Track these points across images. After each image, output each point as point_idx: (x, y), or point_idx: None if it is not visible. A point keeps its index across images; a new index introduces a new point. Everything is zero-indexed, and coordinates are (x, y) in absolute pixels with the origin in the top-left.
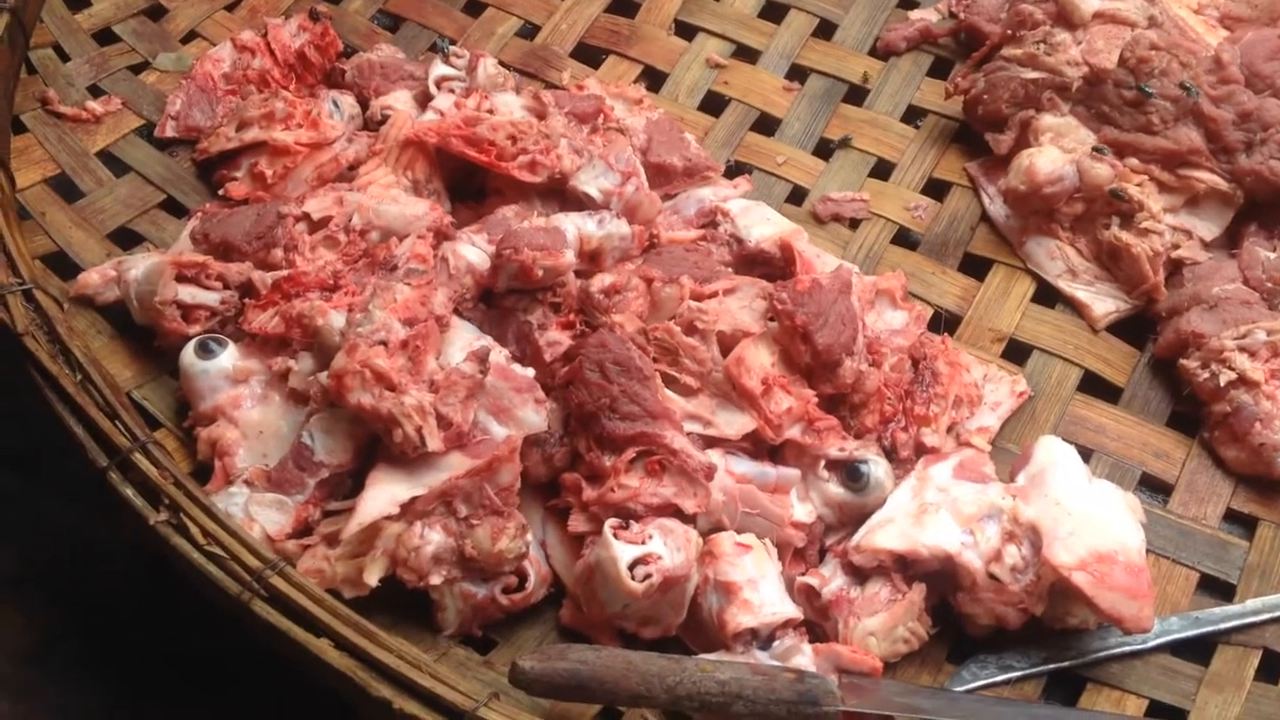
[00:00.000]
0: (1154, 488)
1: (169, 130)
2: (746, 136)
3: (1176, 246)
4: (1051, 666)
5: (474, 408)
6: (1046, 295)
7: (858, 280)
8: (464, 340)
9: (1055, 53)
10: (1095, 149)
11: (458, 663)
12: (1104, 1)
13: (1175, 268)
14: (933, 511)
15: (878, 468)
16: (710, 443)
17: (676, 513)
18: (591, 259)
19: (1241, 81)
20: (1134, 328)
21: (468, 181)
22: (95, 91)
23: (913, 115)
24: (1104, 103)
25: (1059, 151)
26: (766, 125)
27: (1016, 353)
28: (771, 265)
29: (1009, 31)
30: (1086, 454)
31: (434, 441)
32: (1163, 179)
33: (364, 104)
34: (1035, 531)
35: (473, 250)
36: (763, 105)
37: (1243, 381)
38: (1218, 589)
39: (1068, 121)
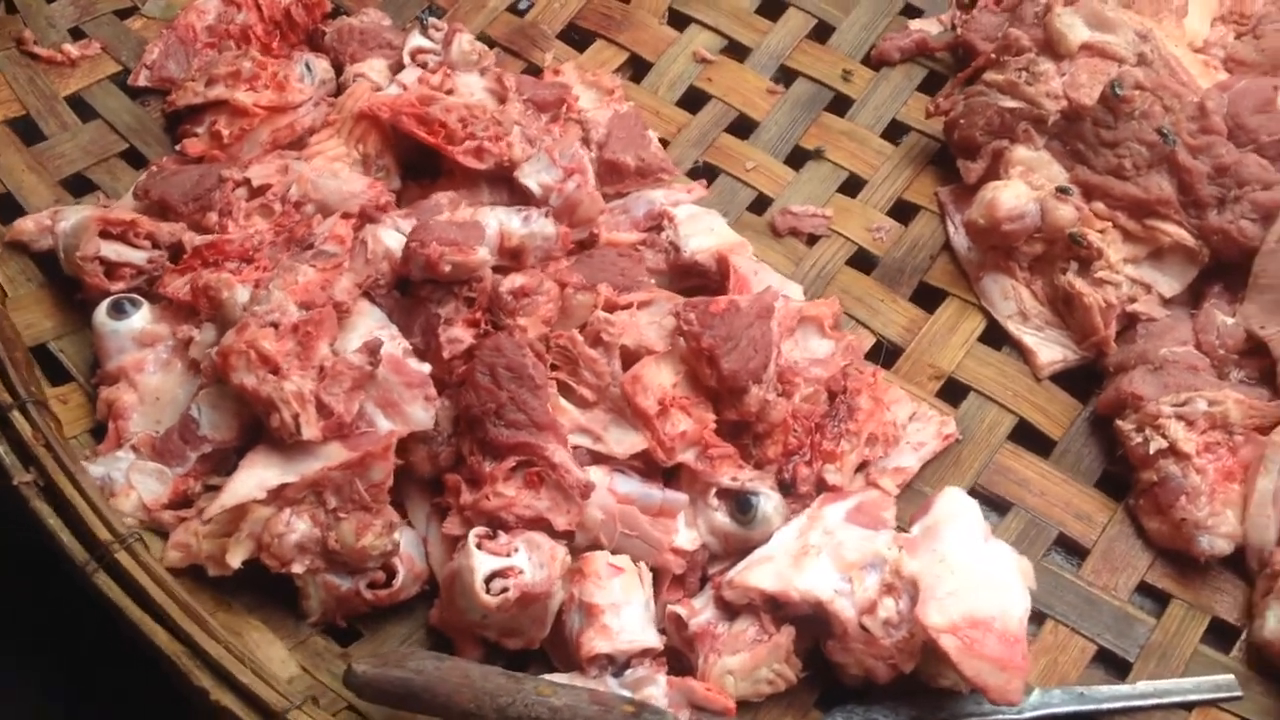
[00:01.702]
0: (1070, 550)
1: (142, 79)
2: (720, 138)
3: (1133, 300)
4: None
5: (359, 399)
6: (996, 336)
7: (782, 305)
8: (367, 327)
9: (1036, 82)
10: (1060, 189)
11: (313, 652)
12: (1094, 33)
13: (1130, 322)
14: (813, 554)
15: (768, 502)
16: (599, 459)
17: (548, 528)
18: (513, 256)
19: (1224, 133)
20: (1081, 380)
21: (426, 160)
22: (77, 34)
23: (895, 131)
24: (1080, 140)
25: (1025, 187)
26: (743, 128)
27: (954, 392)
28: (706, 278)
29: (994, 55)
30: (1005, 507)
31: (310, 430)
32: (1128, 227)
33: (339, 69)
34: (916, 586)
35: (393, 236)
36: (742, 106)
37: (1174, 451)
38: (1114, 665)
39: (1041, 156)
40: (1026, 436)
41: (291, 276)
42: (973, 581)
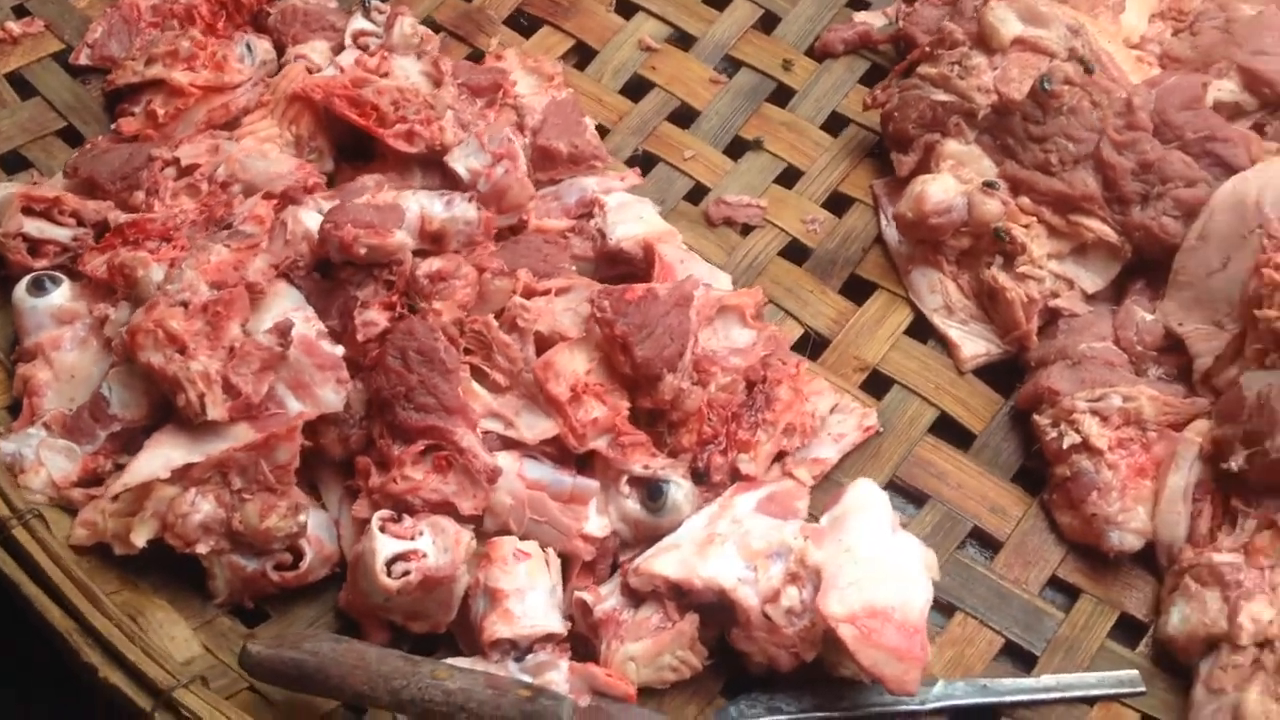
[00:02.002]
0: (984, 543)
1: (84, 58)
2: (661, 126)
3: (1056, 295)
4: (820, 715)
5: (269, 380)
6: (923, 329)
7: (702, 294)
8: (283, 308)
9: (968, 76)
10: (987, 183)
11: (218, 633)
12: (1027, 28)
13: (1053, 317)
14: (719, 543)
15: (678, 490)
16: (510, 444)
17: (455, 512)
18: (434, 240)
19: (1150, 129)
20: (1004, 374)
21: (362, 143)
22: (20, 12)
23: (835, 123)
24: (1009, 135)
25: (954, 181)
26: (684, 117)
27: (879, 384)
28: (634, 265)
29: (928, 49)
30: (922, 499)
31: (215, 410)
32: (1053, 222)
33: (282, 51)
34: (820, 576)
35: (314, 217)
36: (685, 95)
37: (1087, 447)
38: (1021, 658)
39: (971, 150)
40: (947, 429)
41: (204, 256)
42: (876, 572)
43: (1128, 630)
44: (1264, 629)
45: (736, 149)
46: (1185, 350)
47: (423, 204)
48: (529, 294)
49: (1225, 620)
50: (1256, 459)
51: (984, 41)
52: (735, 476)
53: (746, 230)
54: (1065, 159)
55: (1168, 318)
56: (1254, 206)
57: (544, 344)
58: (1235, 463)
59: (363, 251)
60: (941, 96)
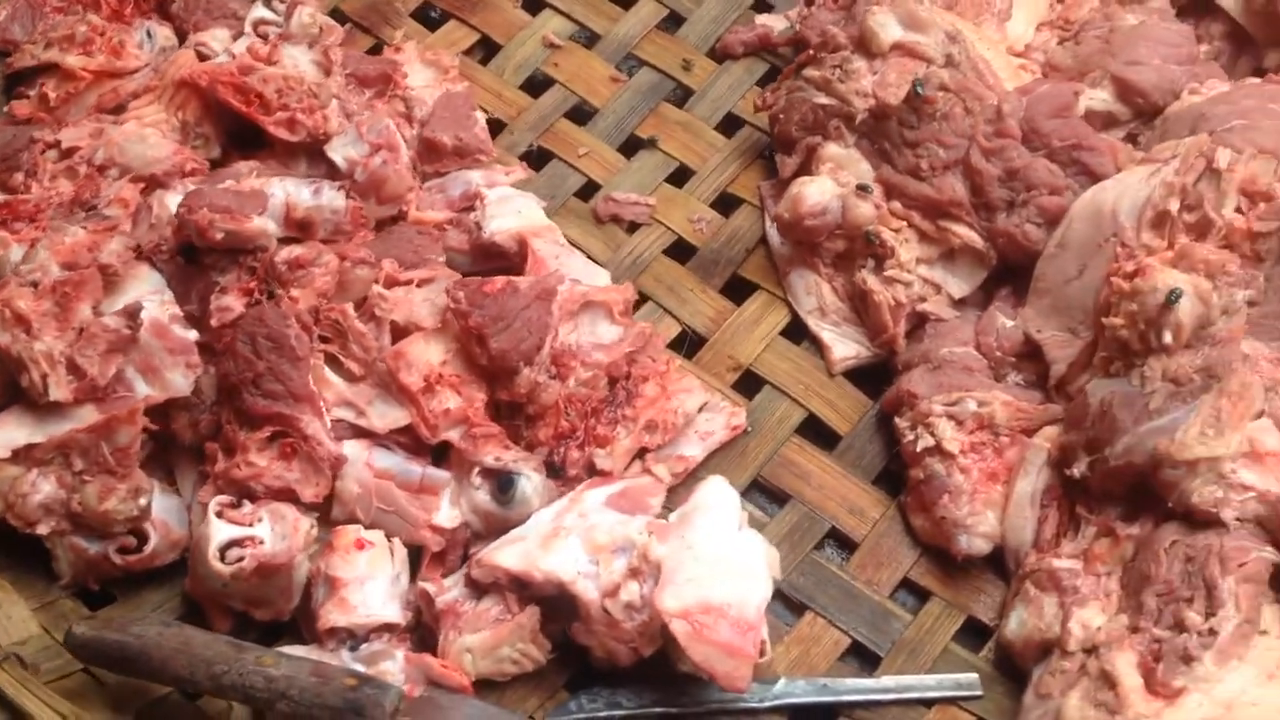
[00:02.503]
0: (842, 544)
1: None
2: (558, 123)
3: (923, 299)
4: (659, 710)
5: (116, 362)
6: (800, 330)
7: (567, 289)
8: (141, 291)
9: (848, 80)
10: (861, 187)
11: (59, 614)
12: (906, 33)
13: (921, 321)
14: (563, 536)
15: (528, 483)
16: (360, 433)
17: (296, 499)
18: (301, 228)
19: (1018, 137)
20: (875, 377)
21: (255, 133)
22: None
23: (731, 124)
24: (886, 139)
25: (831, 184)
26: (583, 114)
27: (752, 384)
28: (508, 259)
29: (813, 52)
30: (784, 499)
31: (59, 391)
32: (923, 227)
33: (184, 38)
34: (661, 571)
35: (178, 201)
36: (585, 93)
37: (939, 450)
38: (866, 658)
39: (850, 154)
40: (815, 431)
41: (59, 237)
42: (715, 569)
43: (975, 634)
44: (1092, 635)
45: (631, 147)
46: (1044, 357)
47: (289, 191)
48: (391, 284)
49: (1059, 626)
50: (1097, 466)
51: (865, 46)
52: (592, 471)
53: (633, 228)
54: (936, 164)
55: (1027, 324)
56: (1110, 215)
57: (401, 334)
58: (1078, 469)
59: (219, 236)
60: (823, 100)
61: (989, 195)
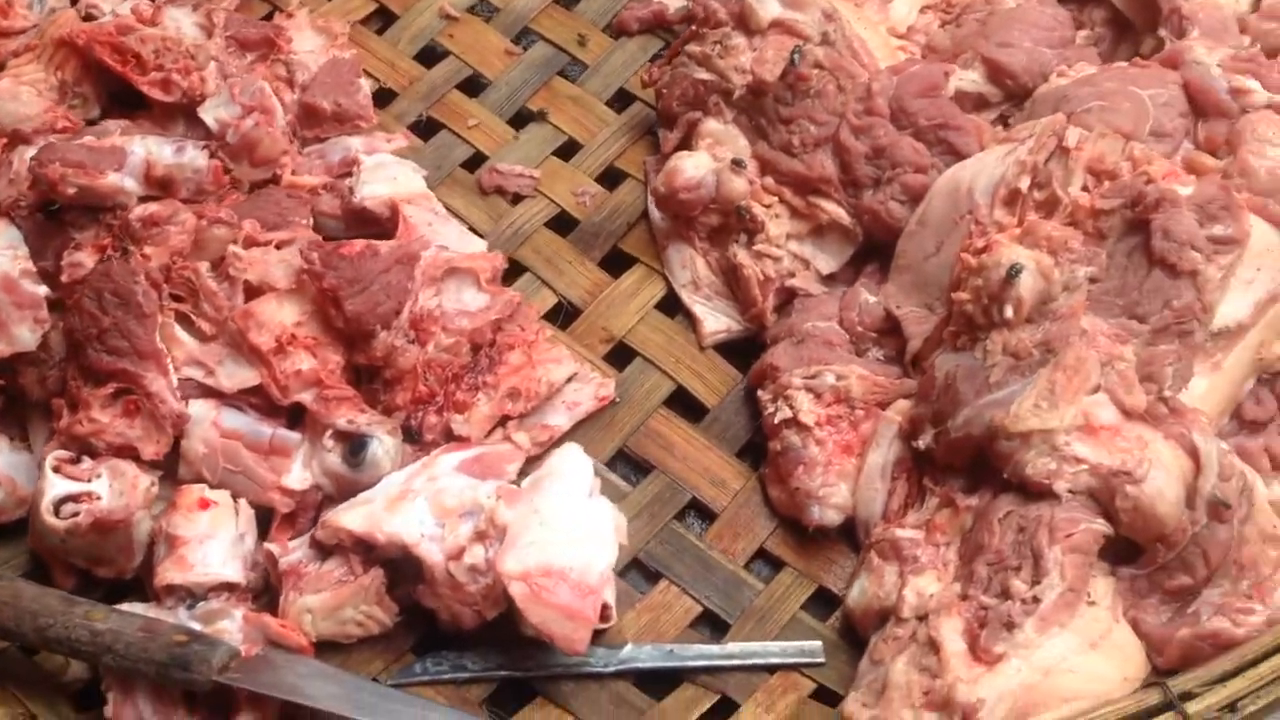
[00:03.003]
0: (702, 514)
1: None
2: (450, 94)
3: (792, 275)
4: (504, 673)
5: None
6: (674, 304)
7: (432, 255)
8: None
9: (727, 56)
10: (735, 162)
11: None
12: (785, 10)
13: (790, 297)
14: (410, 499)
15: (379, 446)
16: (209, 392)
17: (137, 456)
18: (162, 187)
19: (886, 115)
20: (746, 351)
21: (137, 94)
22: None
23: (622, 100)
24: (762, 115)
25: (708, 159)
26: (475, 85)
27: (624, 356)
28: (381, 225)
29: (695, 28)
30: (648, 469)
31: None
32: (793, 203)
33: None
34: (506, 535)
35: None
36: (478, 65)
37: (796, 422)
38: (716, 626)
39: (729, 130)
40: (684, 403)
41: None
42: (559, 534)
43: (826, 603)
44: (925, 603)
45: (522, 120)
46: (903, 332)
47: (150, 149)
48: (250, 245)
49: (897, 594)
50: (941, 438)
51: (744, 22)
52: (450, 437)
53: (517, 200)
54: (808, 141)
55: (888, 300)
56: (966, 193)
57: (256, 295)
58: (924, 441)
59: (71, 191)
60: (703, 75)
61: (856, 172)
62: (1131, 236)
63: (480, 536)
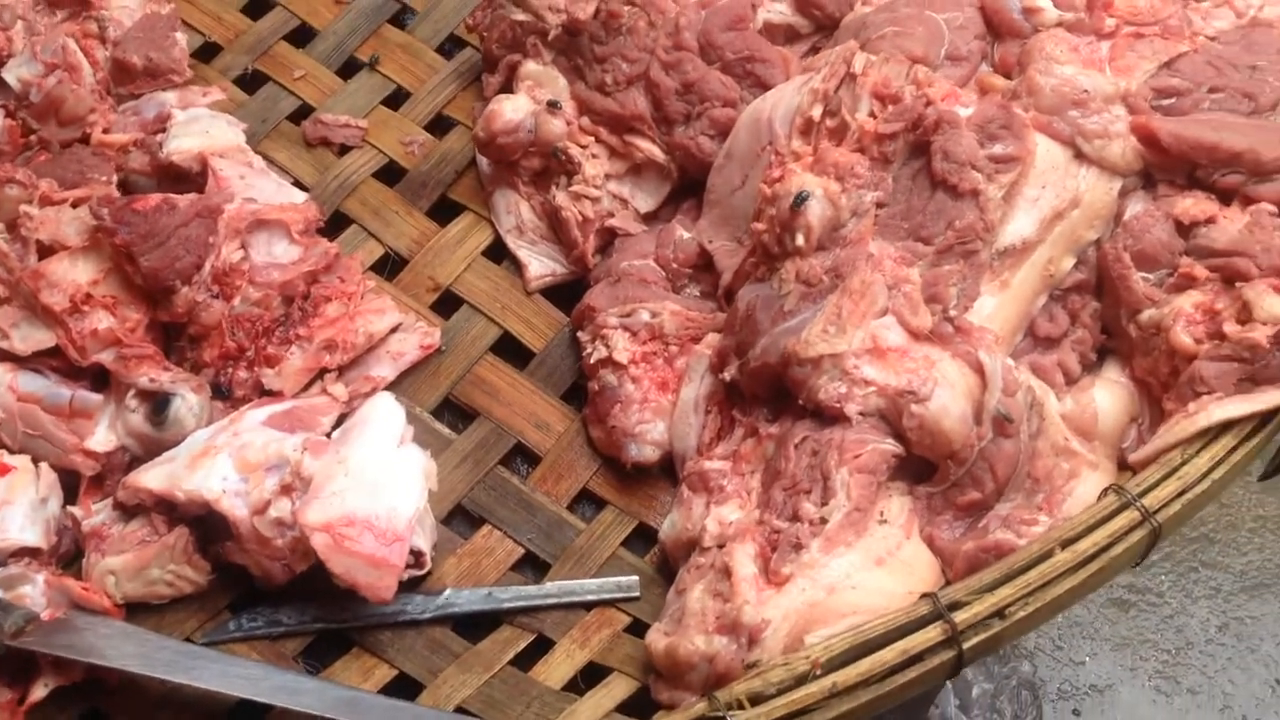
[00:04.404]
0: (526, 457)
1: None
2: (277, 45)
3: (611, 215)
4: (319, 625)
5: None
6: (502, 250)
7: (236, 207)
8: None
9: None
10: (551, 103)
11: None
12: None
13: (612, 237)
14: (213, 455)
15: (182, 403)
16: (4, 356)
17: None
18: None
19: (695, 50)
20: (574, 295)
21: None
22: None
23: (453, 46)
24: (579, 56)
25: (526, 101)
26: (303, 36)
27: (452, 304)
28: (191, 180)
29: None
30: (473, 416)
31: None
32: (610, 143)
33: None
34: (310, 486)
35: None
36: (306, 15)
37: (611, 361)
38: (538, 567)
39: (548, 71)
40: (509, 348)
41: None
42: (364, 483)
43: (648, 540)
44: (725, 531)
45: (350, 69)
46: (716, 267)
47: None
48: (45, 204)
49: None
50: (744, 368)
51: None
52: (262, 392)
53: (344, 151)
54: (620, 79)
55: (701, 235)
56: (767, 124)
57: (50, 255)
58: (729, 373)
59: None
60: (520, 16)
61: (667, 109)
62: (915, 160)
63: (286, 490)
